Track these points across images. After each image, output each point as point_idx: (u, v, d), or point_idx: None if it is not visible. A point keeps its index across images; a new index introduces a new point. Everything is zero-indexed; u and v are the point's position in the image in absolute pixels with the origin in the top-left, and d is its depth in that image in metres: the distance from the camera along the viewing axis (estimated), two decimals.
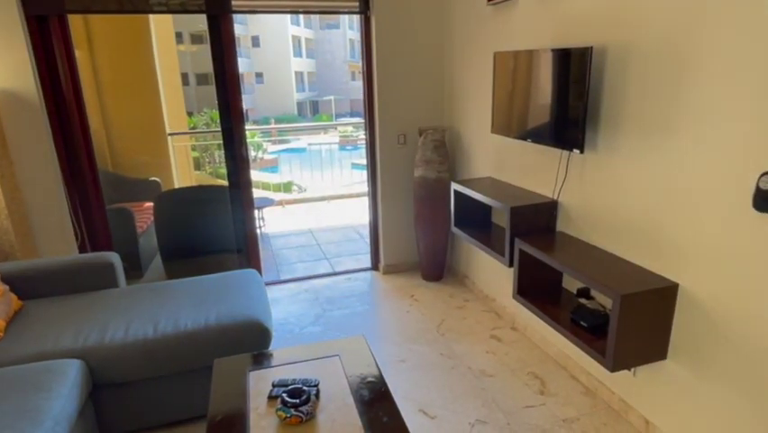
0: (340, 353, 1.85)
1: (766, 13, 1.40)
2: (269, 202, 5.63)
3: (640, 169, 1.91)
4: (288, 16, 27.30)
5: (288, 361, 1.81)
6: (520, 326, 2.90)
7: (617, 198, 2.04)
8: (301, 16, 28.67)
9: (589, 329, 2.04)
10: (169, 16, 6.00)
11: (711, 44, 1.56)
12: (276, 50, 29.17)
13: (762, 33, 1.41)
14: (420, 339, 2.89)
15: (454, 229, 3.04)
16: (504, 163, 2.89)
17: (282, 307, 3.42)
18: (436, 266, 3.64)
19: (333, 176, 7.85)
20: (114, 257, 2.59)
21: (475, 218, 3.04)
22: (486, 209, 3.06)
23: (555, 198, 2.43)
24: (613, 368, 1.83)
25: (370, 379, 1.70)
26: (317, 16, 29.35)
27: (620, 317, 1.76)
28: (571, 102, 2.08)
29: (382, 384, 1.66)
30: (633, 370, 2.07)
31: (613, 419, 2.15)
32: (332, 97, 29.51)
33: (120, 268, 2.60)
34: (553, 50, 2.16)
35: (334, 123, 20.11)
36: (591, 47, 1.93)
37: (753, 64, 1.45)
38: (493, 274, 3.17)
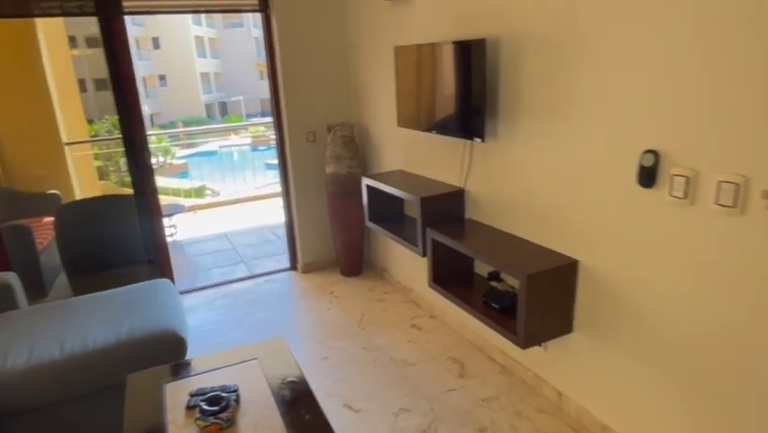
0: (259, 356, 1.75)
1: (642, 1, 1.46)
2: (179, 209, 5.21)
3: (537, 153, 1.96)
4: (189, 16, 25.64)
5: (205, 369, 1.69)
6: (438, 313, 2.91)
7: (518, 182, 2.09)
8: (203, 16, 27.08)
9: (500, 310, 2.07)
10: (60, 19, 5.33)
11: (593, 33, 1.62)
12: (178, 51, 27.33)
13: (640, 21, 1.48)
14: (342, 335, 2.79)
15: (369, 224, 2.97)
16: (413, 155, 2.87)
17: (200, 315, 3.16)
18: (355, 261, 3.56)
19: (247, 178, 7.49)
20: (12, 277, 2.33)
21: (389, 211, 3.00)
22: (399, 202, 3.03)
23: (463, 186, 2.45)
24: (524, 345, 1.87)
25: (290, 379, 1.62)
26: (220, 15, 27.87)
27: (527, 295, 1.79)
28: (469, 92, 2.09)
29: (303, 384, 1.59)
30: (544, 345, 2.14)
31: (528, 393, 2.21)
32: (240, 98, 28.28)
33: (19, 288, 2.34)
34: (448, 43, 2.16)
35: (245, 123, 19.32)
36: (485, 39, 1.94)
37: (632, 50, 1.52)
38: (410, 265, 3.15)
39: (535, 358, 2.21)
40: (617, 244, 1.69)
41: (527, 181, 2.04)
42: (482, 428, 2.01)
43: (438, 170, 2.64)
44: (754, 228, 1.29)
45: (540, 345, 2.14)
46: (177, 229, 5.02)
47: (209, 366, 1.70)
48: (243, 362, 1.72)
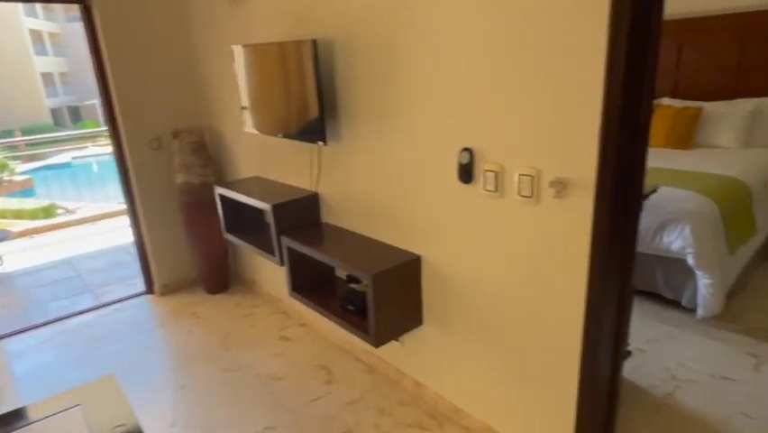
0: (83, 401, 1.56)
1: (464, 6, 1.60)
2: (3, 236, 4.53)
3: (377, 154, 2.05)
4: (20, 6, 22.44)
5: (12, 428, 1.45)
6: (308, 321, 2.91)
7: (364, 184, 2.17)
8: (38, 6, 23.87)
9: (357, 312, 2.13)
10: None
11: (414, 37, 1.73)
12: (9, 47, 23.77)
13: (452, 33, 1.62)
14: (203, 359, 2.66)
15: (227, 235, 2.87)
16: (267, 161, 2.83)
17: (31, 359, 2.78)
18: (219, 277, 3.41)
19: (110, 191, 6.77)
20: None
21: (248, 220, 2.92)
22: (258, 210, 2.96)
23: (315, 190, 2.47)
24: (377, 343, 1.95)
25: (119, 424, 1.47)
26: (60, 6, 24.83)
27: (375, 294, 1.87)
28: (307, 95, 2.11)
29: (135, 429, 1.45)
30: (400, 340, 2.25)
31: (391, 388, 2.31)
32: (95, 101, 25.47)
33: None
34: (281, 44, 2.16)
35: (102, 129, 17.42)
36: (315, 40, 1.97)
37: (446, 57, 1.65)
38: (277, 275, 3.11)
39: (395, 353, 2.32)
40: (449, 238, 1.84)
41: (372, 182, 2.12)
42: (347, 432, 2.05)
43: (291, 174, 2.64)
44: (548, 214, 1.49)
45: (397, 340, 2.24)
46: (2, 260, 4.37)
47: (16, 424, 1.50)
48: (62, 411, 1.53)
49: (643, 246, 2.83)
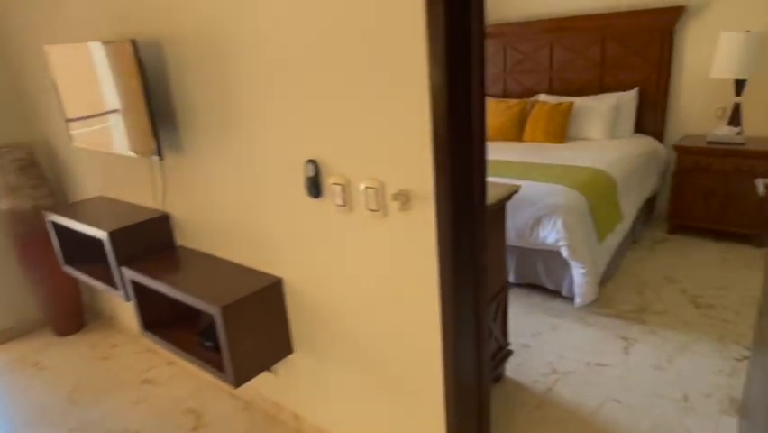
0: None
1: (300, 11, 1.48)
2: None
3: (222, 167, 1.88)
4: None
5: None
6: (177, 358, 2.66)
7: (214, 200, 1.99)
8: None
9: (217, 348, 1.95)
10: None
11: (249, 42, 1.60)
12: None
13: (297, 31, 1.50)
14: (42, 420, 2.31)
15: (65, 268, 2.53)
16: (110, 178, 2.53)
17: None
18: (70, 315, 3.02)
19: None
20: None
21: (90, 248, 2.59)
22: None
23: (163, 210, 2.25)
24: (236, 382, 1.79)
25: None
26: None
27: (227, 328, 1.71)
28: (134, 103, 1.90)
29: None
30: (273, 370, 2.11)
31: (270, 426, 2.16)
32: None
33: None
34: (97, 45, 1.92)
35: None
36: (134, 40, 1.77)
37: (286, 62, 1.53)
38: None
39: (271, 385, 2.17)
40: (308, 257, 1.74)
41: (222, 198, 1.95)
42: None
43: (137, 193, 2.38)
44: (396, 228, 1.44)
45: (269, 371, 2.10)
46: None
47: None
48: None
49: (523, 241, 2.95)
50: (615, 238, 3.14)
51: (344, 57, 1.37)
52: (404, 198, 1.36)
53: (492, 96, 4.61)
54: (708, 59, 3.53)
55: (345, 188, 1.50)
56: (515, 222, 2.92)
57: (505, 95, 4.58)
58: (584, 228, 2.83)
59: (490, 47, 4.54)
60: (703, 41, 3.62)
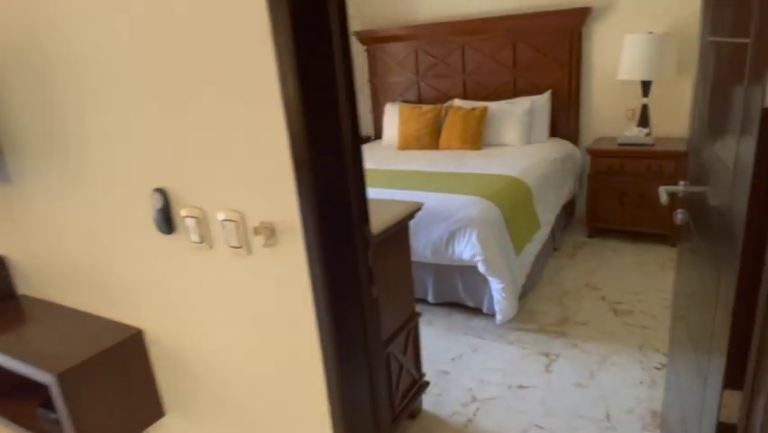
0: None
1: (137, 25, 1.25)
2: None
3: (63, 200, 1.60)
4: None
5: None
6: None
7: (57, 238, 1.69)
8: None
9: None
10: None
11: (82, 56, 1.34)
12: None
13: (134, 46, 1.26)
14: None
15: None
16: None
17: None
18: None
19: None
20: None
21: None
22: None
23: None
24: None
25: None
26: None
27: (69, 399, 1.43)
28: None
29: None
30: None
31: None
32: None
33: None
34: None
35: None
36: None
37: (122, 77, 1.29)
38: None
39: None
40: (168, 303, 1.50)
41: (64, 236, 1.66)
42: None
43: None
44: (263, 267, 1.24)
45: None
46: None
47: None
48: None
49: (439, 257, 2.85)
50: (533, 248, 3.12)
51: (185, 70, 1.16)
52: (267, 232, 1.18)
53: (407, 101, 4.54)
54: (616, 60, 3.64)
55: (201, 222, 1.29)
56: (430, 237, 2.81)
57: (420, 100, 4.52)
58: (500, 241, 2.77)
59: (401, 50, 4.47)
60: (609, 42, 3.74)
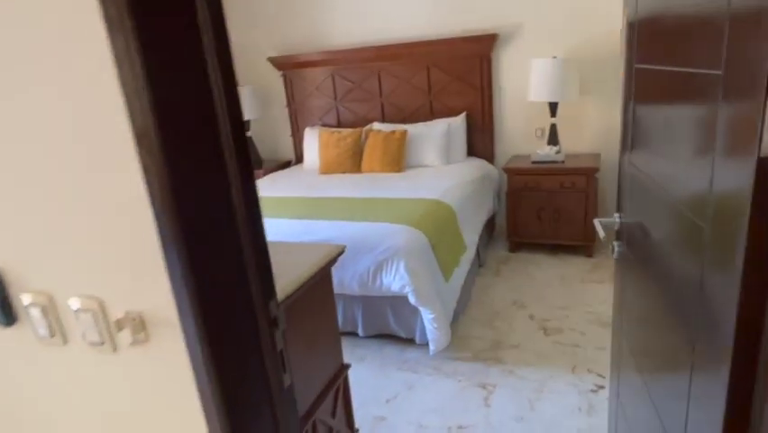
0: None
1: None
2: None
3: None
4: None
5: None
6: None
7: None
8: None
9: None
10: None
11: None
12: None
13: None
14: None
15: None
16: None
17: None
18: None
19: None
20: None
21: None
22: None
23: None
24: None
25: None
26: None
27: None
28: None
29: None
30: None
31: None
32: None
33: None
34: None
35: None
36: None
37: None
38: None
39: None
40: (22, 415, 1.10)
41: None
42: None
43: None
44: (131, 367, 0.90)
45: None
46: None
47: None
48: None
49: (366, 290, 2.58)
50: (461, 271, 2.94)
51: (21, 135, 0.81)
52: (135, 325, 0.84)
53: (326, 125, 4.27)
54: (525, 83, 3.59)
55: (49, 311, 0.92)
56: (356, 269, 2.54)
57: (339, 124, 4.27)
58: (429, 269, 2.55)
59: (318, 75, 4.20)
60: (518, 66, 3.70)
